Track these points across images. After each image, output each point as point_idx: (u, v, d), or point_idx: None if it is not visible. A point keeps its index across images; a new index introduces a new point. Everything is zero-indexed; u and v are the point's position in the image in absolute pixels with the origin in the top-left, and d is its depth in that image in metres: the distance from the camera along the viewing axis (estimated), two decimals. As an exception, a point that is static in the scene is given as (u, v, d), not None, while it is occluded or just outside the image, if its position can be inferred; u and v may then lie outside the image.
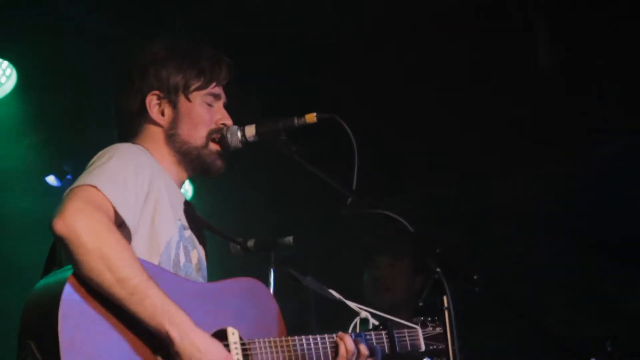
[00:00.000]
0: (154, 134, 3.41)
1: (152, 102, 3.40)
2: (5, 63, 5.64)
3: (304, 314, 4.66)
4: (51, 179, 5.91)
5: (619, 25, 5.68)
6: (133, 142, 3.39)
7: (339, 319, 3.77)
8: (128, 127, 3.43)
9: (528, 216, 6.67)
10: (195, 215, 3.50)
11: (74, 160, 5.85)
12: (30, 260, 3.70)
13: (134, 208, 3.09)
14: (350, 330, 3.49)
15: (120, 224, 3.06)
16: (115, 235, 2.95)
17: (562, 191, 6.63)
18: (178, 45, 3.50)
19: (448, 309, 3.19)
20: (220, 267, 3.70)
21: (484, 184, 6.77)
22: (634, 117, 6.14)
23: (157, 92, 3.40)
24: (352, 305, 3.53)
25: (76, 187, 3.01)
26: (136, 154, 3.24)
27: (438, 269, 3.20)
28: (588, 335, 6.02)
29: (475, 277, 3.23)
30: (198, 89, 3.44)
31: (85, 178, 3.04)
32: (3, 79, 5.66)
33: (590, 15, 5.69)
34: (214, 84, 3.47)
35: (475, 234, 6.72)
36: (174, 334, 2.93)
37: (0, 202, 5.74)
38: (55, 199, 3.05)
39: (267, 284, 4.38)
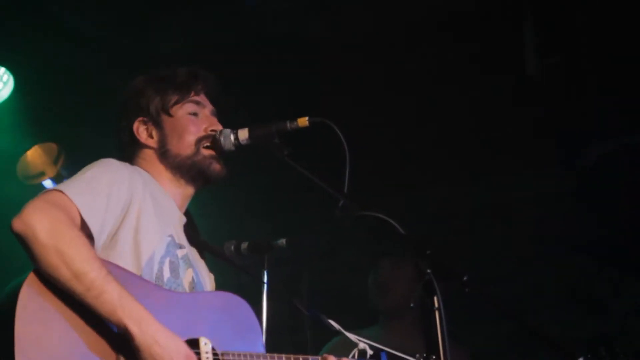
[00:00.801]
0: (149, 157, 3.50)
1: (140, 129, 3.52)
2: (2, 69, 5.65)
3: (297, 316, 4.70)
4: (48, 183, 5.93)
5: (609, 27, 5.71)
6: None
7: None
8: (127, 157, 3.51)
9: (520, 217, 6.70)
10: (198, 238, 3.55)
11: (71, 164, 5.89)
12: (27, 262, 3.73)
13: (102, 217, 3.10)
14: None
15: (88, 232, 3.07)
16: (73, 231, 2.95)
17: (554, 193, 6.66)
18: (153, 74, 3.61)
19: (439, 309, 3.21)
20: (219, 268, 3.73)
21: (476, 186, 6.80)
22: (626, 120, 6.17)
23: (141, 118, 3.52)
24: (352, 336, 3.51)
25: (43, 191, 3.06)
26: (118, 168, 3.28)
27: (429, 270, 3.23)
28: (579, 336, 6.07)
29: (465, 278, 3.26)
30: (177, 102, 3.53)
31: (56, 186, 3.09)
32: (0, 85, 5.68)
33: (578, 21, 5.73)
34: (192, 94, 3.55)
35: (466, 234, 6.75)
36: (134, 328, 2.90)
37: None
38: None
39: (261, 285, 4.42)
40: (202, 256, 3.60)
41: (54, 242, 2.89)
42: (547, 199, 6.70)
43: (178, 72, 3.58)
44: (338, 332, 3.57)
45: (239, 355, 3.19)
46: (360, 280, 6.03)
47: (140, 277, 3.15)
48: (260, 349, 3.34)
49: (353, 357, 3.45)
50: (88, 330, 2.93)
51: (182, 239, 3.42)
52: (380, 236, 5.24)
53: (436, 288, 3.19)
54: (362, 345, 3.48)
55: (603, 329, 6.37)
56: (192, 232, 3.54)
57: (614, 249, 6.38)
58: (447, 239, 6.51)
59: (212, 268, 3.67)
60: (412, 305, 5.48)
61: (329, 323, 3.58)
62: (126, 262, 3.13)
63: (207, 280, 3.55)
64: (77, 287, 2.89)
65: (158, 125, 3.50)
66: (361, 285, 6.01)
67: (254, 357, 3.22)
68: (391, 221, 3.27)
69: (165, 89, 3.53)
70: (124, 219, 3.18)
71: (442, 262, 3.23)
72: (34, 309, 2.86)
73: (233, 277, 4.21)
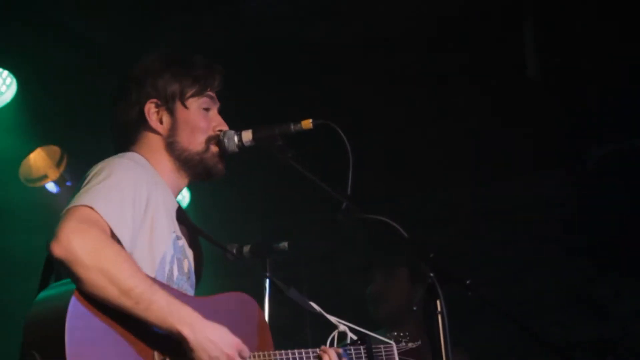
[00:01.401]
0: (153, 142, 3.43)
1: (151, 110, 3.43)
2: (5, 72, 5.66)
3: (297, 318, 4.72)
4: (50, 186, 5.94)
5: (610, 28, 5.74)
6: (131, 151, 3.42)
7: (331, 325, 3.80)
8: (127, 136, 3.46)
9: (522, 220, 6.71)
10: (188, 222, 3.52)
11: (73, 167, 5.90)
12: (30, 266, 3.73)
13: (130, 227, 3.10)
14: (328, 344, 3.49)
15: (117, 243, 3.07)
16: (114, 248, 2.97)
17: (555, 195, 6.68)
18: (172, 56, 3.55)
19: (441, 313, 3.22)
20: (219, 270, 3.74)
21: (478, 189, 6.81)
22: (625, 123, 6.18)
23: (155, 100, 3.44)
24: (332, 318, 3.52)
25: (72, 207, 3.02)
26: (133, 170, 3.25)
27: (431, 274, 3.24)
28: (580, 339, 6.09)
29: (467, 282, 3.27)
30: (194, 95, 3.47)
31: (80, 198, 3.04)
32: (3, 88, 5.67)
33: (578, 23, 5.76)
34: (208, 89, 3.51)
35: (469, 237, 6.76)
36: (186, 331, 2.98)
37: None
38: (54, 206, 3.08)
39: (263, 289, 4.42)
40: (190, 238, 3.57)
41: (97, 263, 2.91)
42: (548, 201, 6.71)
43: (197, 62, 3.53)
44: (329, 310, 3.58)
45: (253, 355, 3.23)
46: (361, 283, 6.03)
47: (164, 284, 3.18)
48: (272, 347, 3.39)
49: (333, 338, 3.49)
50: (134, 342, 2.99)
51: (177, 228, 3.42)
52: (382, 239, 5.28)
53: (439, 292, 3.20)
54: (342, 328, 3.52)
55: (604, 333, 6.38)
56: (182, 216, 3.51)
57: (616, 252, 6.39)
58: (448, 242, 6.54)
59: (214, 268, 3.68)
60: (414, 308, 5.48)
61: (310, 305, 3.60)
62: (142, 263, 3.13)
63: (194, 262, 3.53)
64: (127, 303, 2.94)
65: (171, 112, 3.44)
66: (362, 289, 6.02)
67: (265, 356, 3.28)
68: (394, 224, 3.27)
69: (184, 77, 3.47)
70: (142, 221, 3.19)
71: (445, 266, 3.24)
72: (81, 328, 2.90)
73: (235, 279, 4.22)
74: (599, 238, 6.46)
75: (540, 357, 3.95)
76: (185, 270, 3.39)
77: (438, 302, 3.21)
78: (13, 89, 5.66)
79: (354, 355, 3.53)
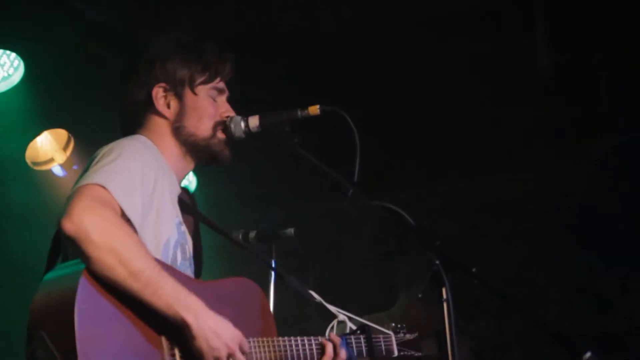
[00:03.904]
0: (160, 126, 3.42)
1: (159, 94, 3.41)
2: (13, 55, 5.66)
3: (304, 306, 4.72)
4: (57, 169, 5.94)
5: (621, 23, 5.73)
6: (139, 134, 3.40)
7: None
8: (133, 118, 3.44)
9: (528, 212, 6.71)
10: (191, 208, 3.52)
11: (80, 150, 5.90)
12: (33, 249, 3.72)
13: (140, 209, 3.10)
14: (327, 332, 3.51)
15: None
16: (125, 229, 2.96)
17: (562, 188, 6.68)
18: (183, 41, 3.52)
19: (447, 300, 3.21)
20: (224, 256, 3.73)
21: (485, 180, 6.81)
22: (635, 116, 6.17)
23: (163, 84, 3.41)
24: (331, 308, 3.56)
25: (83, 185, 3.00)
26: (142, 153, 3.24)
27: (437, 261, 3.22)
28: (585, 333, 6.08)
29: (473, 269, 3.25)
30: (203, 82, 3.46)
31: (92, 176, 3.02)
32: (11, 71, 5.68)
33: (589, 17, 5.75)
34: (218, 79, 3.50)
35: (475, 228, 6.76)
36: (190, 319, 2.97)
37: (6, 191, 5.76)
38: (61, 190, 3.07)
39: (268, 275, 4.43)
40: (192, 224, 3.56)
41: (107, 243, 2.89)
42: (556, 195, 6.71)
43: (207, 48, 3.50)
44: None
45: (254, 341, 3.23)
46: (366, 271, 6.04)
47: (173, 268, 3.18)
48: (275, 333, 3.39)
49: (332, 328, 3.49)
50: (141, 325, 2.98)
51: (180, 213, 3.41)
52: (389, 227, 5.28)
53: (445, 279, 3.19)
54: (341, 317, 3.53)
55: (610, 327, 6.38)
56: (186, 202, 3.51)
57: (623, 246, 6.38)
58: (454, 233, 6.54)
59: (220, 255, 3.67)
60: (420, 295, 5.47)
61: (310, 294, 3.61)
62: (147, 247, 3.10)
63: (193, 249, 3.52)
64: (134, 285, 2.92)
65: (179, 97, 3.43)
66: (367, 277, 6.02)
67: (266, 342, 3.28)
68: (401, 212, 3.25)
69: (194, 63, 3.45)
70: (149, 204, 3.17)
71: (451, 254, 3.22)
72: (90, 309, 2.88)
73: (242, 266, 4.23)
74: (606, 231, 6.45)
75: (544, 348, 3.94)
76: (188, 255, 3.39)
77: (444, 290, 3.20)
78: (20, 71, 5.66)
79: (354, 345, 3.55)
